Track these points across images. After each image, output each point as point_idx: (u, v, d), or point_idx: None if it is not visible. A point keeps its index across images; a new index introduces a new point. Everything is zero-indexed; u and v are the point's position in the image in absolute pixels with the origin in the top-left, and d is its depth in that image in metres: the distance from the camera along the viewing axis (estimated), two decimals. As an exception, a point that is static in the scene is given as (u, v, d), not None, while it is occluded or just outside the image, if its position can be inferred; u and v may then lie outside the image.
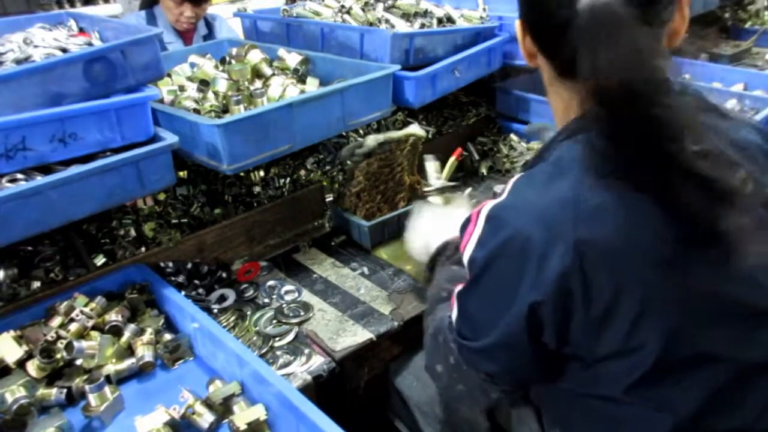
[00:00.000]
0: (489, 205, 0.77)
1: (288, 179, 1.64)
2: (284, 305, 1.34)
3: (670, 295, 0.69)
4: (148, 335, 1.15)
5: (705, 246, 0.69)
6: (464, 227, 0.81)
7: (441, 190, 1.76)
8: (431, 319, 0.98)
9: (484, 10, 2.04)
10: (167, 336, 1.18)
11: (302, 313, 1.31)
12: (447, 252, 1.11)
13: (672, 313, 0.70)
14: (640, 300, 0.69)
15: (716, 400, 0.72)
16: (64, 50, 1.29)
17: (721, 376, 0.72)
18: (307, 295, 1.38)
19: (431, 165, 1.81)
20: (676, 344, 0.70)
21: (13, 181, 1.11)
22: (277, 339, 1.23)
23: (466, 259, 0.79)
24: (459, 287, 0.84)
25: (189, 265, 1.41)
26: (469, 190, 1.85)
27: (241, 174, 1.58)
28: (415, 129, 1.62)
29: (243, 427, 0.94)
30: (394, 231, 1.59)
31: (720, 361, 0.72)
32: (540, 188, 0.73)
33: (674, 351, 0.71)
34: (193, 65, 1.70)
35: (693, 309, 0.70)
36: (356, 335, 1.24)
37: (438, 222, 1.21)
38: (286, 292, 1.39)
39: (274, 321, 1.29)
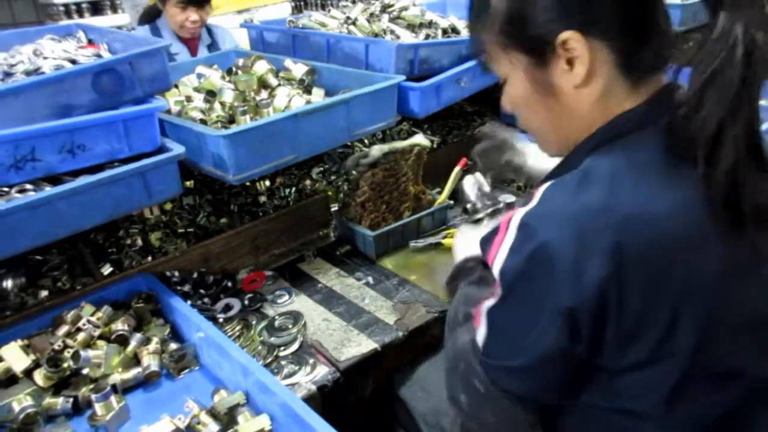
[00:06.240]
0: (519, 213, 0.74)
1: (293, 189, 1.65)
2: (276, 317, 1.33)
3: (703, 306, 0.68)
4: (153, 344, 1.16)
5: (743, 257, 0.69)
6: (490, 238, 0.77)
7: (491, 214, 1.29)
8: (451, 346, 0.92)
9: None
10: (173, 345, 1.18)
11: (290, 327, 1.29)
12: (465, 270, 1.05)
13: (704, 325, 0.69)
14: (673, 310, 0.68)
15: (730, 418, 0.72)
16: (74, 62, 1.31)
17: (739, 392, 0.71)
18: (312, 305, 1.39)
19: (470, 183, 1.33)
20: (704, 357, 0.69)
21: (23, 191, 1.13)
22: (281, 348, 1.24)
23: (497, 270, 0.75)
24: (488, 303, 0.79)
25: (195, 275, 1.41)
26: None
27: (247, 184, 1.59)
28: (420, 139, 1.62)
29: (247, 437, 0.95)
30: (399, 241, 1.59)
31: (742, 377, 0.71)
32: (571, 195, 0.72)
33: (702, 364, 0.70)
34: (200, 76, 1.72)
35: (725, 322, 0.69)
36: (361, 345, 1.24)
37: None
38: (280, 303, 1.39)
39: (266, 332, 1.28)
